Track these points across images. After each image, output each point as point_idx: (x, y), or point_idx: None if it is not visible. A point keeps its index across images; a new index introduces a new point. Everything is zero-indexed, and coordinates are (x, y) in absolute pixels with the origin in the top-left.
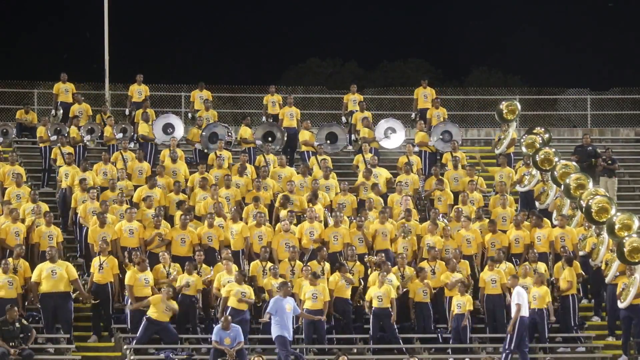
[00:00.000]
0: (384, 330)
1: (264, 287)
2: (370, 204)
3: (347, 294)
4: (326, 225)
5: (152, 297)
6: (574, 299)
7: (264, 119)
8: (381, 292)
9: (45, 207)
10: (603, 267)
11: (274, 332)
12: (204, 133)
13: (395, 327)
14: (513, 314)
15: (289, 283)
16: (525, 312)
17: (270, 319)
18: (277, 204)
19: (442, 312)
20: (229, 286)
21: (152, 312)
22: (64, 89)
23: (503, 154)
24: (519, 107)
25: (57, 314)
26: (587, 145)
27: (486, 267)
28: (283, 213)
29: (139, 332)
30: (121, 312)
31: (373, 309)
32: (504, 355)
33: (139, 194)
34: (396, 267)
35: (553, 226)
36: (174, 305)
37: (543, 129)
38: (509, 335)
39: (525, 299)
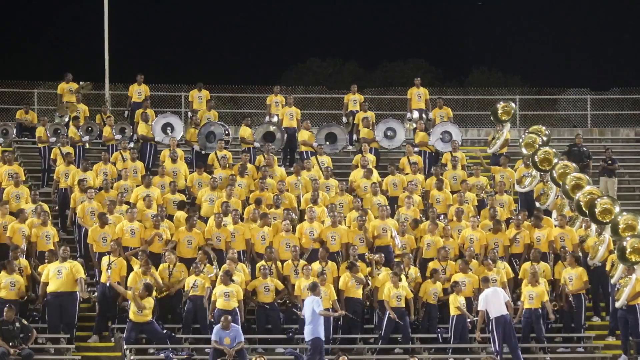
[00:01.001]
0: (398, 330)
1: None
2: (357, 204)
3: (359, 293)
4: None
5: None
6: (585, 298)
7: (267, 118)
8: (399, 291)
9: (45, 207)
10: (608, 268)
11: (311, 334)
12: (202, 130)
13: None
14: (478, 320)
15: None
16: (496, 313)
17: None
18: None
19: (445, 313)
20: (216, 288)
21: (130, 314)
22: (68, 89)
23: (496, 153)
24: (515, 108)
25: (62, 314)
26: (582, 146)
27: (484, 267)
28: (277, 212)
29: (125, 333)
30: (124, 312)
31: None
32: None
33: (135, 194)
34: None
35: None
36: (148, 303)
37: (544, 128)
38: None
39: (491, 302)
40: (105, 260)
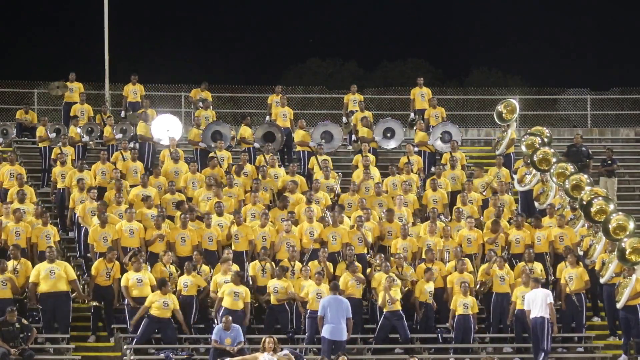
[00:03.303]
0: (395, 332)
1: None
2: (362, 204)
3: (359, 293)
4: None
5: (148, 299)
6: (585, 298)
7: (267, 118)
8: (394, 295)
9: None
10: (597, 268)
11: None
12: (205, 131)
13: (407, 327)
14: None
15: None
16: (534, 314)
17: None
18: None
19: (443, 312)
20: (225, 286)
21: (152, 310)
22: (70, 89)
23: (503, 154)
24: (518, 106)
25: (56, 314)
26: (581, 146)
27: (495, 266)
28: (282, 213)
29: (139, 330)
30: (121, 312)
31: (385, 312)
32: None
33: (133, 194)
34: (395, 267)
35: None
36: (174, 300)
37: (546, 130)
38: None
39: (531, 302)
40: (100, 264)
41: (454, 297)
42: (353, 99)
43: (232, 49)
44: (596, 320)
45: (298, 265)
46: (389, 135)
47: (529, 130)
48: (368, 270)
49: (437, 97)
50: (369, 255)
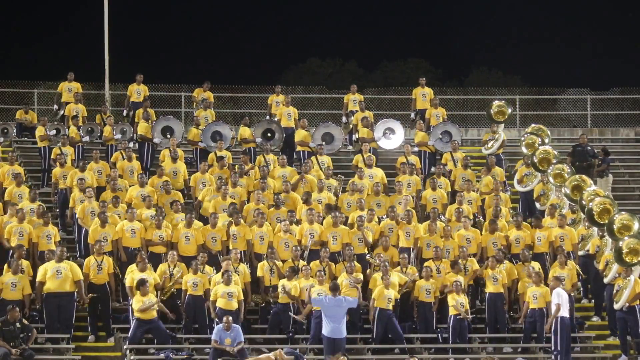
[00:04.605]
0: (387, 331)
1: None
2: (361, 204)
3: (354, 293)
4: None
5: (133, 305)
6: (573, 299)
7: (267, 118)
8: (389, 293)
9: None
10: (601, 267)
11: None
12: (205, 131)
13: (399, 327)
14: (552, 313)
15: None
16: (564, 312)
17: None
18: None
19: (443, 312)
20: (217, 288)
21: (137, 314)
22: (67, 88)
23: (493, 154)
24: (510, 110)
25: (60, 314)
26: (586, 145)
27: (488, 266)
28: (278, 213)
29: (130, 332)
30: (120, 312)
31: (377, 309)
32: (553, 356)
33: (130, 194)
34: (399, 267)
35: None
36: (152, 299)
37: (544, 127)
38: (552, 337)
39: (566, 300)
40: (91, 261)
41: (448, 297)
42: (353, 99)
43: (232, 49)
44: (596, 320)
45: (302, 264)
46: (389, 135)
47: (528, 130)
48: (367, 270)
49: (437, 97)
50: (368, 256)
